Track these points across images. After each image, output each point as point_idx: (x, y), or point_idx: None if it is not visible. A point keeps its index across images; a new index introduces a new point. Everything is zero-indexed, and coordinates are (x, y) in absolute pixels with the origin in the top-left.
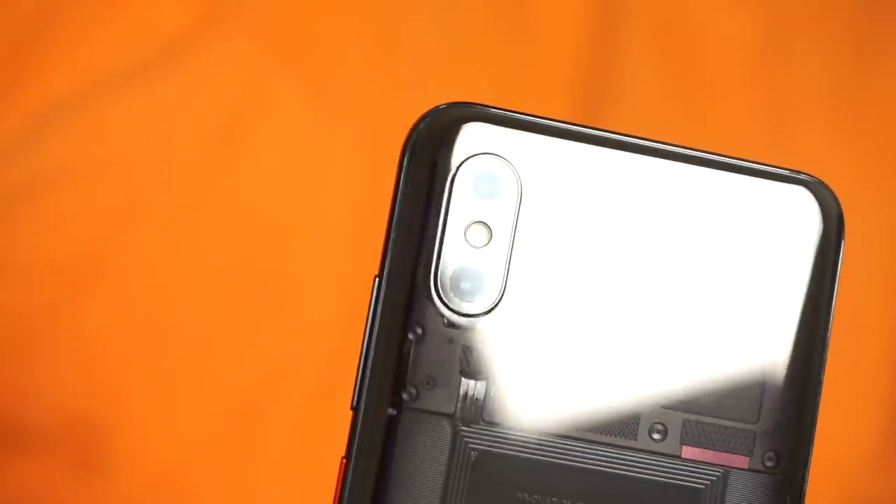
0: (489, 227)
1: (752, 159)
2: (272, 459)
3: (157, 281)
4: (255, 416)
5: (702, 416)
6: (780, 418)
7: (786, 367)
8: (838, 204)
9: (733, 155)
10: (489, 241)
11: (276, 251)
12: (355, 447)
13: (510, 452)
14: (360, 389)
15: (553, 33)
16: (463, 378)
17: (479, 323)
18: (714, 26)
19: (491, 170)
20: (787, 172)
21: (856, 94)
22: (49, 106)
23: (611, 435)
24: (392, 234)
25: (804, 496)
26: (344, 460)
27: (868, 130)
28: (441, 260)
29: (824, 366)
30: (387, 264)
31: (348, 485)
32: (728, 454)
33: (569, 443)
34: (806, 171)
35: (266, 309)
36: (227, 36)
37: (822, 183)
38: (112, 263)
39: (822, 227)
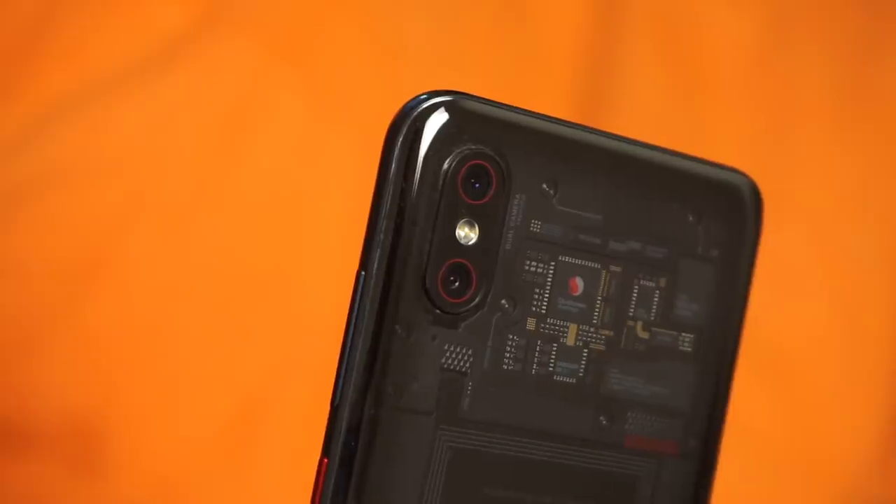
0: (478, 224)
1: (685, 153)
2: (272, 459)
3: (157, 281)
4: (254, 417)
5: (645, 405)
6: (702, 402)
7: (709, 351)
8: (758, 196)
9: (678, 151)
10: (478, 238)
11: (276, 251)
12: (338, 444)
13: (485, 449)
14: (344, 386)
15: (553, 33)
16: (444, 376)
17: (464, 320)
18: (714, 27)
19: (480, 164)
20: (713, 166)
21: (857, 95)
22: (49, 106)
23: (564, 427)
24: (379, 228)
25: (714, 475)
26: (325, 460)
27: (868, 131)
28: (430, 256)
29: (739, 344)
30: (374, 260)
31: (331, 483)
32: (662, 441)
33: (539, 439)
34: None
35: (266, 309)
36: (227, 36)
37: (744, 175)
38: (112, 263)
39: (741, 219)
